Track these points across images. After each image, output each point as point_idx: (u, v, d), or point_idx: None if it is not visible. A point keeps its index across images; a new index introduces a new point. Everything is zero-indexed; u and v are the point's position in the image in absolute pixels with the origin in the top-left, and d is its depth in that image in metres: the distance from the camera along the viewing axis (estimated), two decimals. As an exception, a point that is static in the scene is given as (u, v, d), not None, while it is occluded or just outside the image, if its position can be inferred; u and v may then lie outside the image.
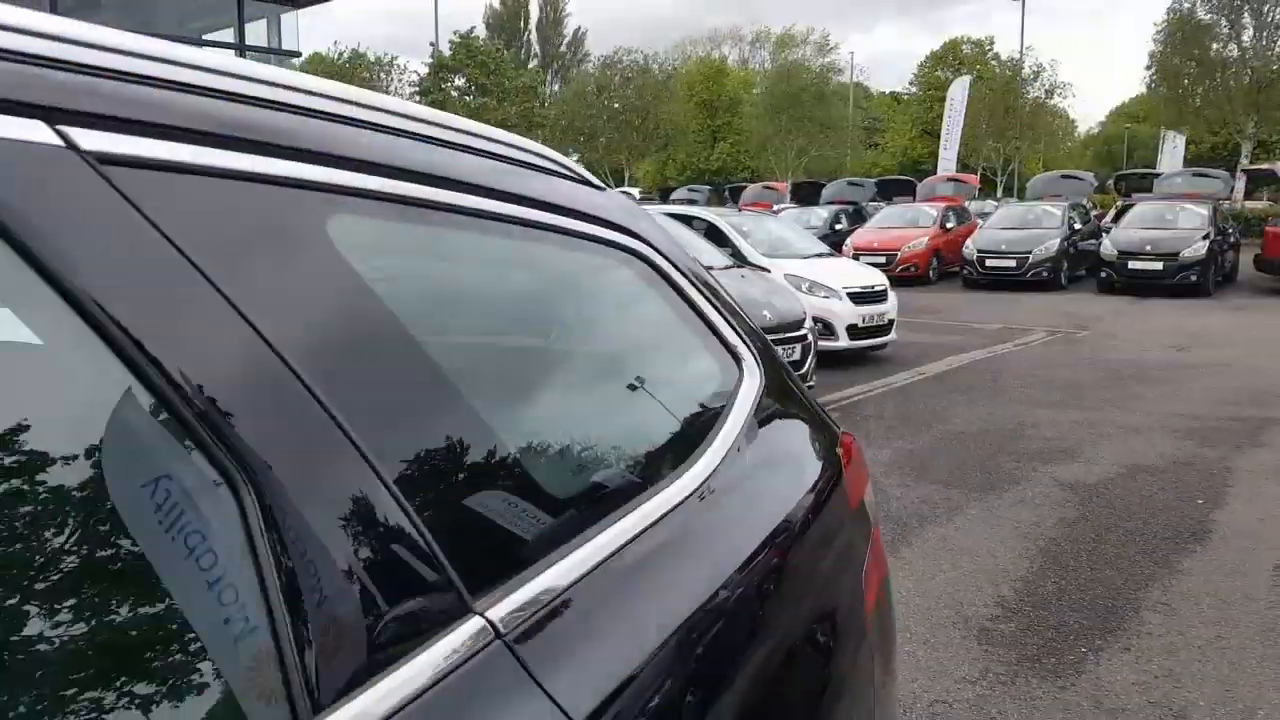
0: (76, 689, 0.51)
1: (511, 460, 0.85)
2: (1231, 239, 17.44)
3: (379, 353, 0.76)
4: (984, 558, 4.11)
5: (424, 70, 36.61)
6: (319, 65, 35.44)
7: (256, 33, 12.99)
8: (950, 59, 51.21)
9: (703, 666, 0.90)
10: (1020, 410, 7.14)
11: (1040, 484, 5.22)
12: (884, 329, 9.53)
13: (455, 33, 35.05)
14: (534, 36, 61.04)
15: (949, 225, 19.03)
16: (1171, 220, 16.45)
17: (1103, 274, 16.10)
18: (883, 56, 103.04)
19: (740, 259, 8.94)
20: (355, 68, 38.21)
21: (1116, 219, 18.14)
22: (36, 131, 0.58)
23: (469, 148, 1.00)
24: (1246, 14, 30.69)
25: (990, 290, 16.45)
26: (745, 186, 29.53)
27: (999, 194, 35.81)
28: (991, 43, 51.41)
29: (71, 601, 0.53)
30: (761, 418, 1.29)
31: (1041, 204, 18.95)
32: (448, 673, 0.66)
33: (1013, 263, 16.67)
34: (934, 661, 3.16)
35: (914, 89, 55.45)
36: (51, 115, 0.59)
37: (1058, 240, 16.81)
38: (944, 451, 5.93)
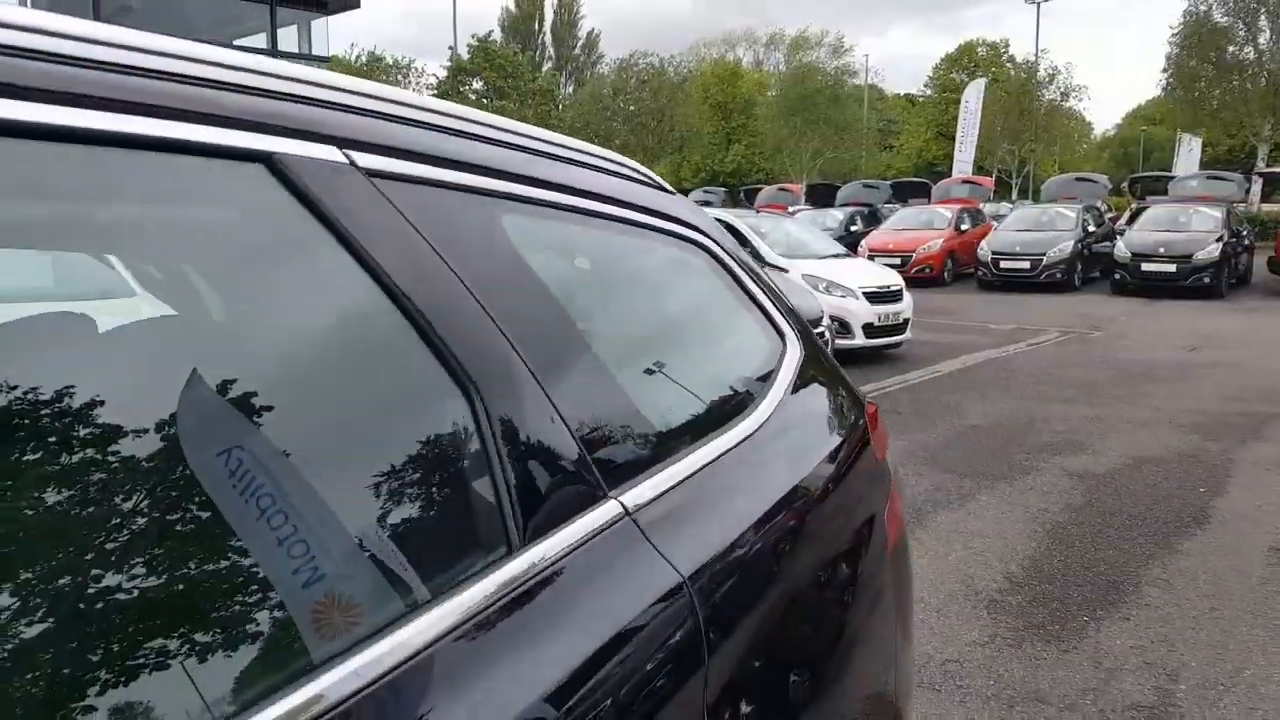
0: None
1: (632, 392, 1.14)
2: (1246, 241, 17.56)
3: (539, 312, 1.04)
4: (993, 539, 4.36)
5: (442, 73, 37.03)
6: (337, 68, 35.86)
7: (287, 38, 13.36)
8: (965, 61, 51.33)
9: (774, 548, 1.19)
10: (1032, 406, 7.38)
11: (1049, 473, 5.46)
12: (899, 328, 9.78)
13: (473, 36, 35.48)
14: (548, 39, 61.32)
15: (964, 227, 19.22)
16: (1185, 223, 16.59)
17: (1116, 276, 16.26)
18: (897, 58, 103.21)
19: (758, 259, 9.21)
20: (372, 70, 38.61)
21: (1130, 221, 18.30)
22: (333, 154, 0.87)
23: (581, 163, 1.28)
24: (1263, 17, 30.71)
25: (1004, 292, 16.65)
26: (760, 188, 29.75)
27: (1014, 196, 35.90)
28: (1007, 45, 51.55)
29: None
30: (802, 381, 1.57)
31: (1056, 206, 19.11)
32: (596, 533, 0.94)
33: (1027, 264, 16.85)
34: (946, 628, 3.42)
35: (929, 91, 55.57)
36: (343, 144, 0.88)
37: (1071, 242, 16.98)
38: (957, 443, 6.18)
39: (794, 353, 1.60)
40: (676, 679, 0.95)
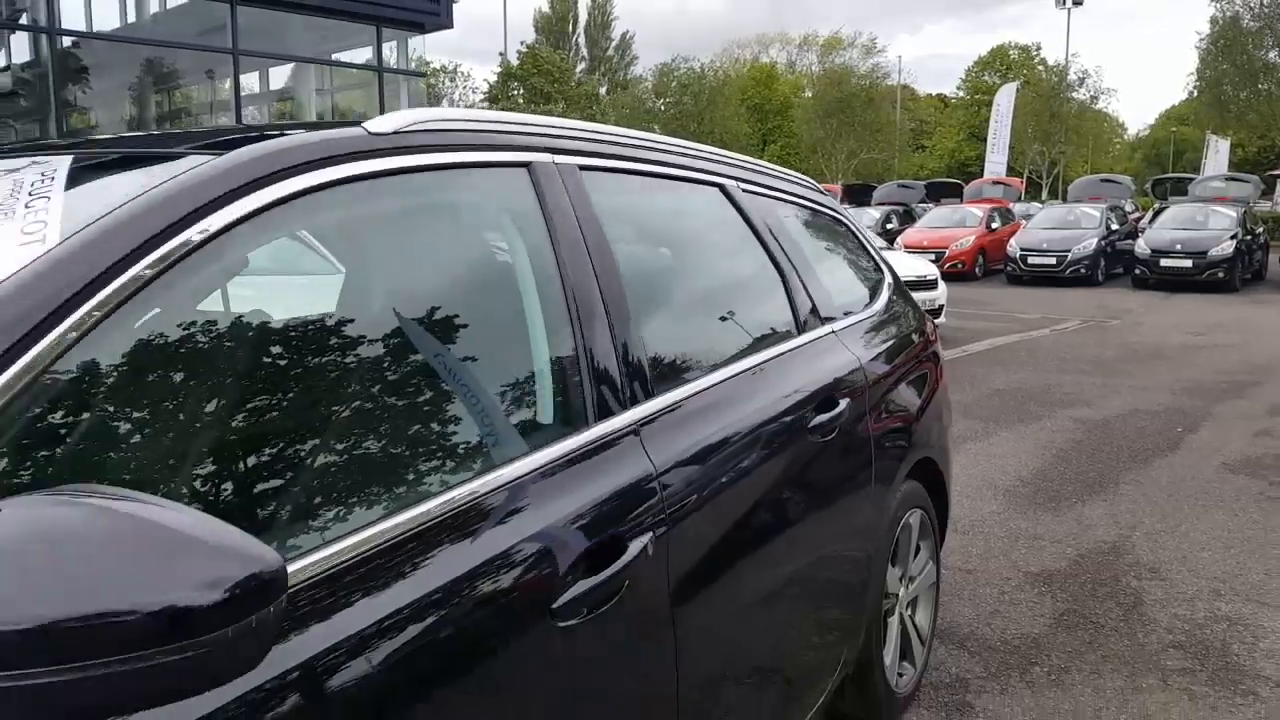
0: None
1: (793, 289, 2.55)
2: (1261, 239, 18.65)
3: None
4: (1009, 458, 5.71)
5: (491, 76, 38.67)
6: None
7: (372, 53, 14.84)
8: (997, 64, 52.28)
9: (896, 369, 2.59)
10: (1049, 376, 8.68)
11: (1058, 420, 6.79)
12: (934, 313, 11.09)
13: (522, 43, 37.19)
14: (582, 40, 62.14)
15: (994, 225, 20.43)
16: (1202, 221, 17.72)
17: (1137, 271, 17.42)
18: (930, 58, 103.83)
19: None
20: (434, 76, 40.05)
21: (1152, 221, 19.44)
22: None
23: (750, 164, 2.65)
24: (1291, 22, 31.52)
25: (1032, 286, 17.85)
26: (798, 188, 30.96)
27: (1044, 197, 36.91)
28: (1038, 49, 52.46)
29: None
30: (896, 292, 2.96)
31: (1081, 206, 20.28)
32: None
33: (1053, 260, 18.06)
34: (972, 507, 4.77)
35: (961, 93, 56.52)
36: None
37: (1095, 240, 18.17)
38: (984, 401, 7.51)
39: (889, 278, 3.00)
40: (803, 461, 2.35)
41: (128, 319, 1.03)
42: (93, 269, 0.99)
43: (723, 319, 2.16)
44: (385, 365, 1.38)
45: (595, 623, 1.37)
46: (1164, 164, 60.27)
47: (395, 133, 1.41)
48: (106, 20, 14.45)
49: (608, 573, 1.39)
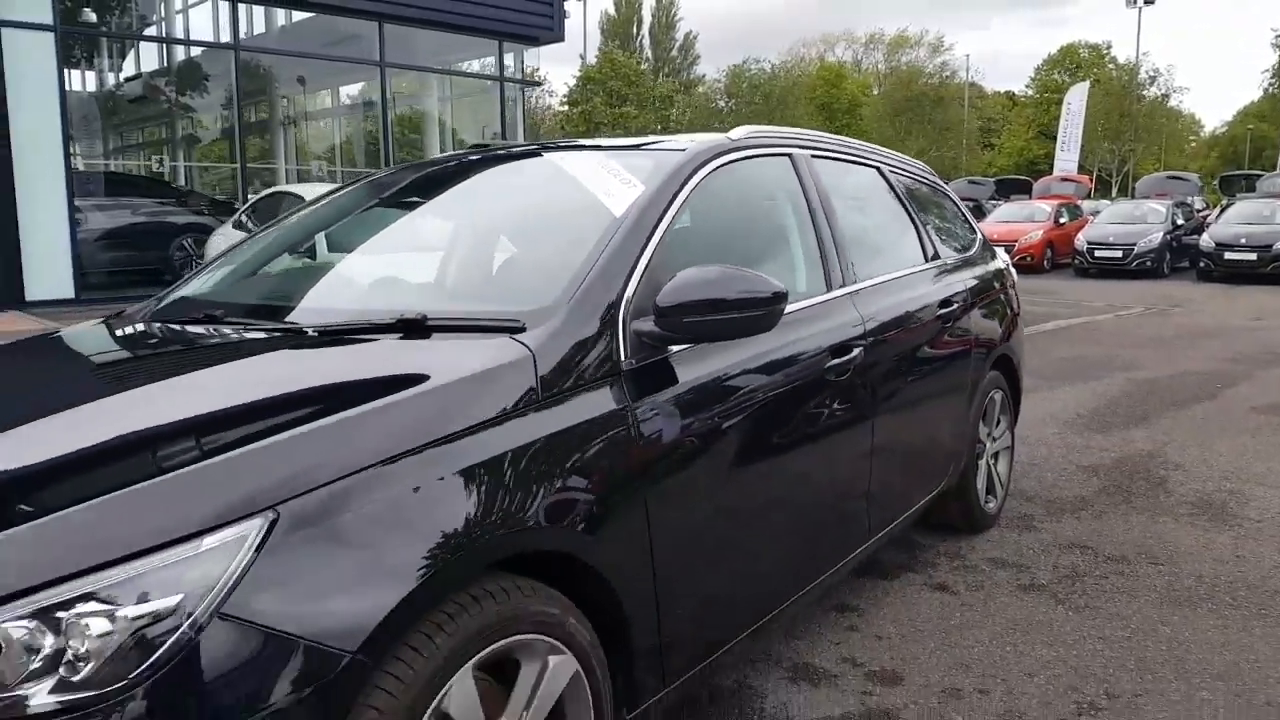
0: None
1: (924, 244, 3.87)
2: (1327, 234, 19.27)
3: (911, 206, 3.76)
4: (1070, 403, 6.92)
5: (569, 80, 40.31)
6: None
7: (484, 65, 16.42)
8: (1067, 63, 52.42)
9: (984, 295, 3.90)
10: (1109, 349, 9.79)
11: (1114, 379, 7.95)
12: (1004, 295, 12.22)
13: (599, 48, 38.78)
14: (646, 40, 63.03)
15: (1062, 220, 21.33)
16: (1268, 216, 18.45)
17: (1202, 264, 18.24)
18: (998, 54, 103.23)
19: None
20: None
21: (1219, 216, 20.16)
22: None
23: (893, 156, 3.97)
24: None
25: (1098, 278, 18.76)
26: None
27: (1113, 194, 37.32)
28: (1109, 47, 52.45)
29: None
30: (985, 246, 4.26)
31: (1148, 201, 21.09)
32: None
33: (1119, 253, 18.95)
34: (1036, 432, 6.01)
35: (1030, 91, 56.70)
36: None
37: (1161, 234, 19.01)
38: (1049, 366, 8.68)
39: (980, 237, 4.31)
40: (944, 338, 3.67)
41: (681, 216, 2.39)
42: (664, 196, 2.36)
43: (885, 246, 3.51)
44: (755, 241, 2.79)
45: (840, 382, 2.72)
46: (1240, 161, 59.60)
47: (739, 139, 2.78)
48: (226, 32, 15.45)
49: (844, 358, 2.74)
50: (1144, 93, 40.41)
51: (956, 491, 3.79)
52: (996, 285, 4.19)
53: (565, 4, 15.16)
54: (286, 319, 2.34)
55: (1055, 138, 35.21)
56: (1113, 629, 3.15)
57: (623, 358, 2.05)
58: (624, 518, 1.96)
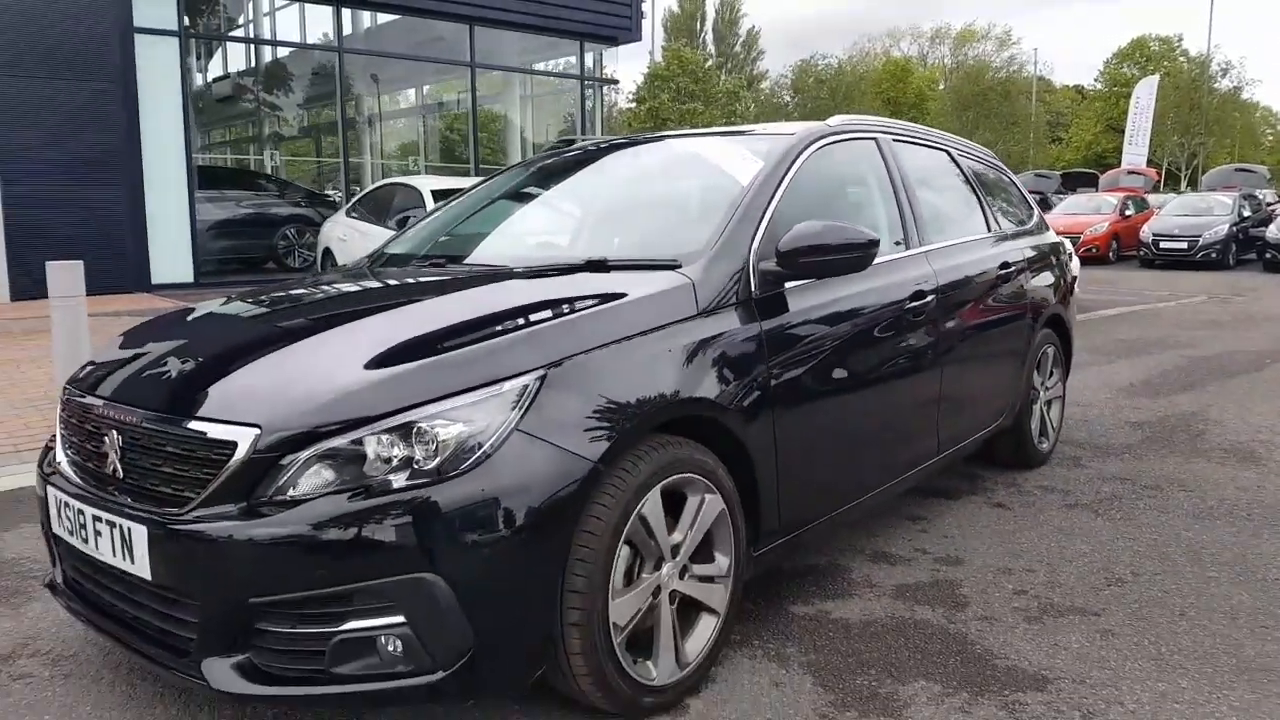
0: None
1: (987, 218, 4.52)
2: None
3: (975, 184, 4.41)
4: (1124, 373, 7.46)
5: (637, 77, 41.11)
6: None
7: (565, 64, 17.23)
8: (1137, 56, 51.70)
9: (1041, 260, 4.54)
10: (1167, 331, 10.23)
11: (1168, 355, 8.44)
12: (1066, 283, 12.66)
13: (665, 47, 39.44)
14: (709, 36, 63.31)
15: (1128, 213, 21.48)
16: (1338, 208, 18.47)
17: (1268, 256, 18.34)
18: (1065, 49, 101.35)
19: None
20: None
21: (1288, 208, 20.18)
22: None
23: (960, 141, 4.62)
24: None
25: (1163, 269, 18.95)
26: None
27: (1183, 187, 36.92)
28: (1179, 40, 51.58)
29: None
30: (1040, 220, 4.89)
31: (1214, 194, 21.15)
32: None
33: (1184, 245, 19.11)
34: (1090, 395, 6.58)
35: (1098, 85, 55.99)
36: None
37: (1226, 226, 19.12)
38: (1108, 345, 9.18)
39: (1037, 214, 4.93)
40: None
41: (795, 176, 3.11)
42: (779, 170, 3.08)
43: (953, 216, 4.16)
44: (848, 207, 3.48)
45: (916, 321, 3.41)
46: (1321, 155, 58.09)
47: (836, 126, 3.49)
48: (314, 34, 16.40)
49: (919, 302, 3.43)
50: (1215, 85, 39.79)
51: (1012, 430, 4.44)
52: (1051, 256, 4.81)
53: (643, 4, 15.90)
54: (493, 264, 3.12)
55: (1124, 131, 35.00)
56: (1142, 534, 3.79)
57: (753, 289, 2.77)
58: (755, 403, 2.68)
